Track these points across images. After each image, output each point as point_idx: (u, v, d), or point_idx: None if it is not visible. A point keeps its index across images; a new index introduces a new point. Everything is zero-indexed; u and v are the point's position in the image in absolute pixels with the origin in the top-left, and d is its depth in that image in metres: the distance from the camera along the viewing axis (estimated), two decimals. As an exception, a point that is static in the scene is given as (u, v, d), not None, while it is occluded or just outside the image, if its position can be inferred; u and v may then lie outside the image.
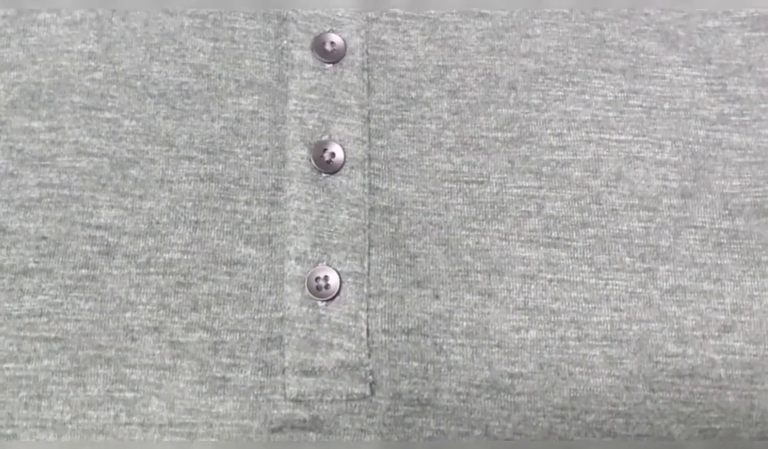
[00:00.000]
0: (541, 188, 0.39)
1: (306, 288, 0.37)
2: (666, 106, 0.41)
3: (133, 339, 0.37)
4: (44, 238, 0.38)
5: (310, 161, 0.39)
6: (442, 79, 0.41)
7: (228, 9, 0.42)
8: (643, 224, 0.39)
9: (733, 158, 0.41)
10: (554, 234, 0.39)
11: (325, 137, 0.40)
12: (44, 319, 0.37)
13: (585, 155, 0.40)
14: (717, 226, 0.39)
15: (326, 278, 0.37)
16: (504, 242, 0.39)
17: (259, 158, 0.40)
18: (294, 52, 0.41)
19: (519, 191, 0.39)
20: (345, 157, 0.39)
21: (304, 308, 0.37)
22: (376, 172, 0.40)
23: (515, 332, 0.37)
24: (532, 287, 0.38)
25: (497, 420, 0.37)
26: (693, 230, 0.39)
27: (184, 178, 0.39)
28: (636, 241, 0.39)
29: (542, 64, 0.42)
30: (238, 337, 0.37)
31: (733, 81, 0.42)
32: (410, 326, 0.37)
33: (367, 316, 0.37)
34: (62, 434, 0.36)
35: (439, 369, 0.37)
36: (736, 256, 0.39)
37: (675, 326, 0.37)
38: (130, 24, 0.42)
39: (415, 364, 0.37)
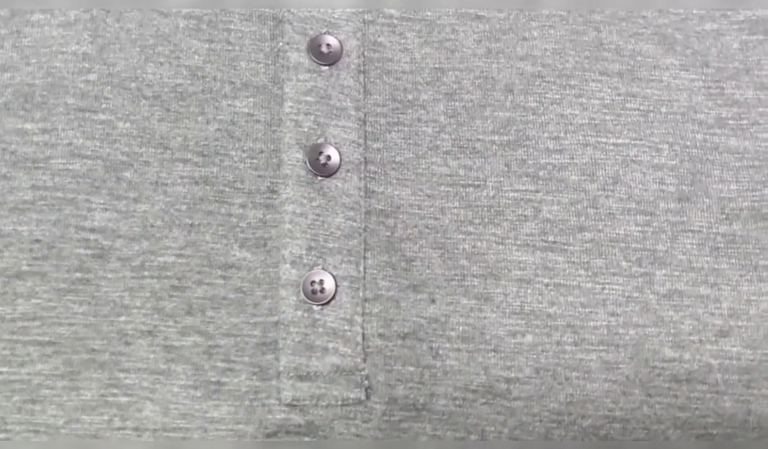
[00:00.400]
0: (537, 191, 0.39)
1: (301, 292, 0.37)
2: (663, 109, 0.41)
3: (127, 343, 0.36)
4: (38, 241, 0.38)
5: (305, 163, 0.39)
6: (438, 82, 0.41)
7: (223, 10, 0.42)
8: (640, 228, 0.39)
9: (731, 162, 0.40)
10: (551, 238, 0.39)
11: (321, 140, 0.39)
12: (38, 323, 0.37)
13: (582, 158, 0.40)
14: (714, 230, 0.39)
15: (321, 282, 0.37)
16: (500, 246, 0.39)
17: (255, 161, 0.39)
18: (290, 54, 0.41)
19: (515, 194, 0.39)
20: (341, 160, 0.39)
21: (299, 313, 0.37)
22: (372, 175, 0.39)
23: (511, 336, 0.37)
24: (529, 291, 0.38)
25: (493, 425, 0.37)
26: (690, 234, 0.39)
27: (178, 181, 0.39)
28: (633, 245, 0.39)
29: (539, 67, 0.42)
30: (232, 341, 0.37)
31: (730, 84, 0.42)
32: (406, 331, 0.37)
33: (363, 320, 0.37)
34: (55, 438, 0.36)
35: (435, 374, 0.37)
36: (734, 260, 0.39)
37: (672, 330, 0.37)
38: (124, 25, 0.41)
39: (411, 369, 0.37)
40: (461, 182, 0.39)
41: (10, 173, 0.39)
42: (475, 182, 0.40)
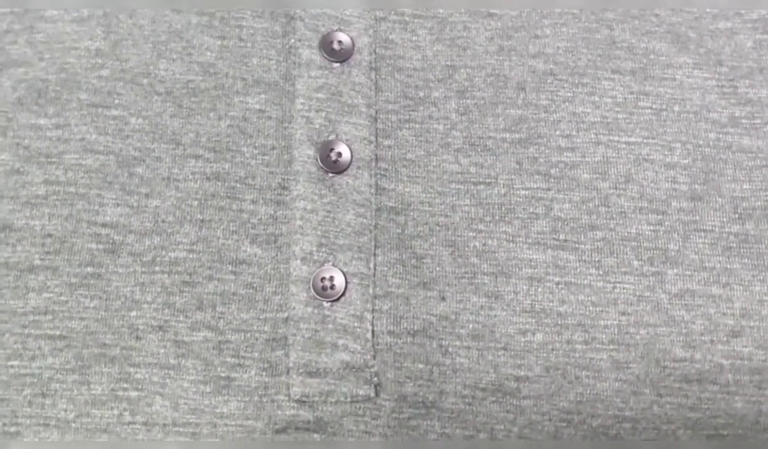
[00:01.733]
0: (549, 189, 0.39)
1: (311, 288, 0.37)
2: (676, 108, 0.41)
3: (137, 338, 0.37)
4: (50, 235, 0.38)
5: (316, 160, 0.39)
6: (450, 79, 0.41)
7: (236, 7, 0.42)
8: (651, 227, 0.39)
9: (744, 162, 0.40)
10: (562, 236, 0.38)
11: (332, 137, 0.39)
12: (49, 317, 0.37)
13: (594, 156, 0.40)
14: (726, 230, 0.39)
15: (332, 278, 0.37)
16: (511, 244, 0.38)
17: (266, 157, 0.40)
18: (301, 50, 0.41)
19: (527, 192, 0.39)
20: (352, 157, 0.39)
21: (310, 309, 0.37)
22: (382, 172, 0.39)
23: (521, 335, 0.37)
24: (539, 289, 0.38)
25: (502, 424, 0.37)
26: (702, 233, 0.39)
27: (190, 176, 0.39)
28: (644, 244, 0.38)
29: (551, 64, 0.41)
30: (242, 337, 0.37)
31: (744, 83, 0.42)
32: (416, 328, 0.37)
33: (373, 317, 0.37)
34: (66, 432, 0.36)
35: (445, 372, 0.37)
36: (746, 260, 0.38)
37: (683, 330, 0.37)
38: (137, 21, 0.42)
39: (421, 366, 0.37)
40: (472, 179, 0.39)
41: (23, 168, 0.39)
42: (487, 180, 0.39)
